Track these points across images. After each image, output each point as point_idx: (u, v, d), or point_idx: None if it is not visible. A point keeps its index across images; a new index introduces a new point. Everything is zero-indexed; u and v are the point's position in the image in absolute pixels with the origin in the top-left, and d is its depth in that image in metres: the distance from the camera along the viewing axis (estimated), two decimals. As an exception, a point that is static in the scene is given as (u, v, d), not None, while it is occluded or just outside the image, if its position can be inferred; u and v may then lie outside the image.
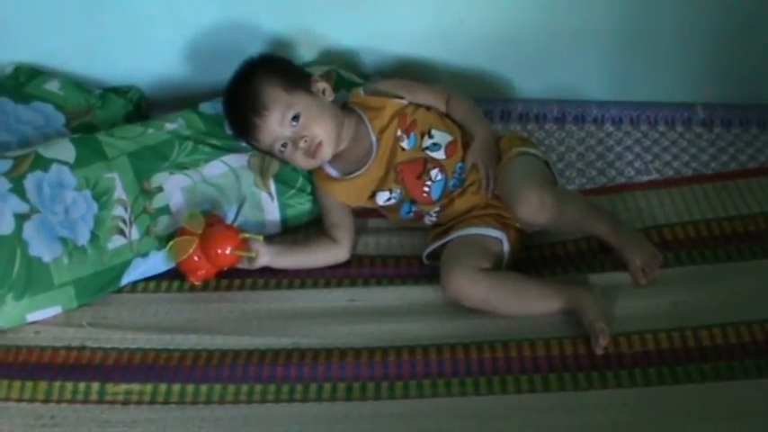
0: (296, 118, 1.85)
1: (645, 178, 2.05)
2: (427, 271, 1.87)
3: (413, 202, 1.91)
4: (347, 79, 2.11)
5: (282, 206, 1.97)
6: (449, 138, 1.91)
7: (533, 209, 1.70)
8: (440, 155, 1.90)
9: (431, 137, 1.91)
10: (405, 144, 1.90)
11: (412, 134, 1.91)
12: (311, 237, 1.96)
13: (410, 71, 2.18)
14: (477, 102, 2.00)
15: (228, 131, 1.97)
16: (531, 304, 1.74)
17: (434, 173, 1.88)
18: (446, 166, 1.89)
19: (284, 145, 1.87)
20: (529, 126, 2.18)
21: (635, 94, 2.22)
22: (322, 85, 1.93)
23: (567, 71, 2.22)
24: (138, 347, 1.73)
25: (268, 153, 1.93)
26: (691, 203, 1.97)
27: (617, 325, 1.67)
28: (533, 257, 1.88)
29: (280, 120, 1.84)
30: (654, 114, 2.18)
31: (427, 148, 1.90)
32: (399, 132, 1.91)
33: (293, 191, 1.98)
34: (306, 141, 1.85)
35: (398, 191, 1.91)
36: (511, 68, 2.22)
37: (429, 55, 2.19)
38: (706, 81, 2.22)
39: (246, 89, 1.87)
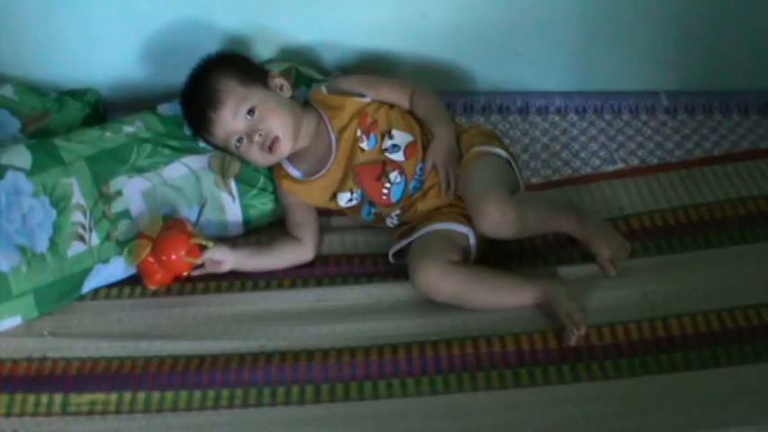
0: (251, 112, 1.83)
1: (610, 168, 2.05)
2: (393, 268, 1.85)
3: (372, 203, 1.89)
4: (307, 76, 2.09)
5: (244, 207, 1.95)
6: (409, 138, 1.89)
7: (496, 224, 1.70)
8: (399, 156, 1.88)
9: (391, 137, 1.89)
10: (364, 145, 1.89)
11: (372, 134, 1.89)
12: (275, 237, 1.93)
13: (371, 65, 2.17)
14: (439, 95, 1.99)
15: (187, 131, 1.95)
16: (503, 297, 1.73)
17: (393, 175, 1.87)
18: (405, 168, 1.87)
19: (240, 140, 1.85)
20: (492, 118, 2.18)
21: (598, 83, 2.22)
22: (280, 81, 1.91)
23: (529, 62, 2.20)
24: (101, 356, 1.71)
25: (225, 150, 1.90)
26: (657, 192, 1.97)
27: (587, 317, 1.67)
28: (500, 252, 1.87)
29: (234, 112, 1.82)
30: (618, 103, 2.18)
31: (386, 149, 1.88)
32: (359, 132, 1.89)
33: (255, 191, 1.96)
34: (261, 135, 1.83)
35: (358, 192, 1.89)
36: (473, 60, 2.20)
37: (390, 48, 2.18)
38: (669, 69, 2.22)
39: (202, 84, 1.85)
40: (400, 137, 1.89)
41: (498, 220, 1.69)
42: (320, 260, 1.90)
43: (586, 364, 1.61)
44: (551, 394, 1.57)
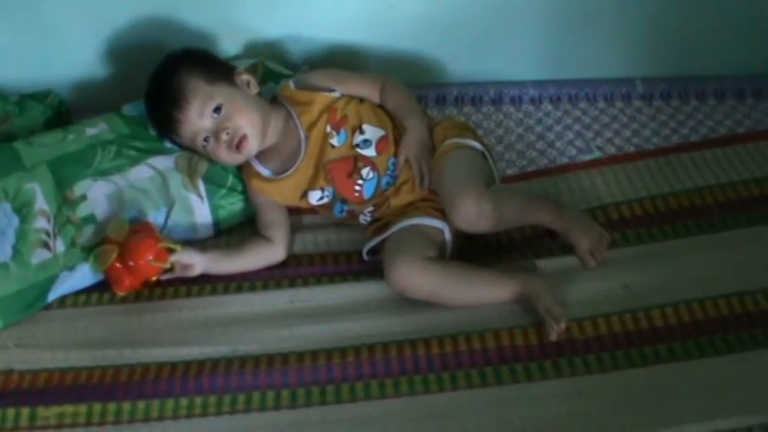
0: (217, 110, 1.80)
1: (587, 157, 2.03)
2: (368, 266, 1.82)
3: (345, 201, 1.87)
4: (275, 71, 2.06)
5: (214, 207, 1.92)
6: (380, 133, 1.87)
7: (472, 218, 1.68)
8: (370, 152, 1.85)
9: (362, 132, 1.86)
10: (334, 141, 1.85)
11: (342, 130, 1.86)
12: (246, 239, 1.90)
13: (340, 59, 2.14)
14: (410, 87, 1.96)
15: (152, 132, 1.91)
16: (481, 293, 1.70)
17: (365, 171, 1.84)
18: (377, 164, 1.85)
19: (206, 139, 1.82)
20: (465, 109, 2.16)
21: (572, 71, 2.21)
22: (246, 77, 1.88)
23: (501, 52, 2.19)
24: (69, 366, 1.67)
25: (192, 150, 1.87)
26: (635, 180, 1.95)
27: (568, 311, 1.64)
28: (477, 246, 1.84)
29: (200, 111, 1.79)
30: (592, 91, 2.17)
31: (357, 145, 1.85)
32: (329, 129, 1.86)
33: (224, 191, 1.92)
34: (228, 134, 1.80)
35: (330, 189, 1.86)
36: (444, 51, 2.18)
37: (358, 41, 2.16)
38: (643, 55, 2.21)
39: (166, 83, 1.82)
40: (371, 132, 1.86)
41: (474, 213, 1.67)
42: (293, 260, 1.87)
43: (569, 358, 1.59)
44: (534, 391, 1.55)
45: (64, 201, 1.81)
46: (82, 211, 1.83)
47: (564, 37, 2.17)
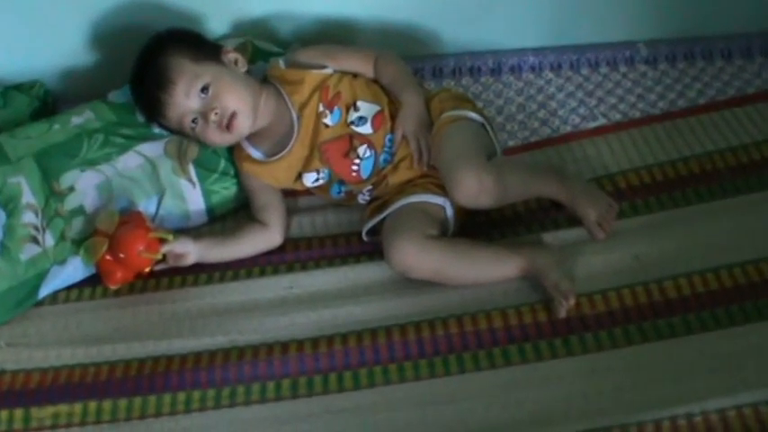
0: (205, 90, 1.76)
1: (591, 125, 1.99)
2: (368, 247, 1.78)
3: (342, 182, 1.82)
4: (264, 50, 2.01)
5: (206, 193, 1.88)
6: (375, 108, 1.82)
7: (473, 193, 1.64)
8: (366, 129, 1.80)
9: (356, 110, 1.81)
10: (328, 120, 1.81)
11: (335, 108, 1.81)
12: (241, 224, 1.86)
13: (331, 34, 2.09)
14: (406, 60, 1.92)
15: (140, 117, 1.88)
16: (486, 270, 1.67)
17: (362, 149, 1.79)
18: (374, 141, 1.80)
19: (195, 121, 1.78)
20: (463, 81, 2.12)
21: (573, 37, 2.16)
22: (234, 55, 1.84)
23: (498, 19, 2.13)
24: (63, 364, 1.64)
25: (180, 133, 1.84)
26: (642, 147, 1.91)
27: (577, 286, 1.61)
28: (480, 222, 1.80)
29: (186, 92, 1.75)
30: (594, 56, 2.13)
31: (352, 122, 1.81)
32: (321, 108, 1.81)
33: (216, 175, 1.88)
34: (217, 113, 1.76)
35: (326, 171, 1.82)
36: (439, 21, 2.13)
37: (349, 14, 2.10)
38: (646, 17, 2.15)
39: (151, 64, 1.79)
40: (366, 108, 1.82)
41: (476, 188, 1.62)
42: (290, 244, 1.83)
43: (579, 335, 1.55)
44: (545, 371, 1.51)
45: (51, 193, 1.78)
46: (70, 203, 1.80)
47: (563, 1, 2.12)
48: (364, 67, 1.87)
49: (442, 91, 1.89)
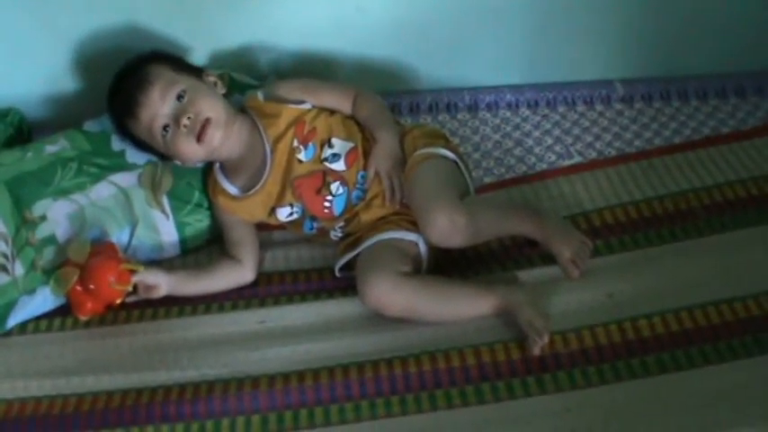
0: (181, 97, 1.76)
1: (567, 162, 2.00)
2: (342, 283, 1.77)
3: (314, 218, 1.81)
4: (241, 82, 2.00)
5: (179, 225, 1.86)
6: (349, 145, 1.82)
7: (446, 233, 1.63)
8: (339, 166, 1.80)
9: (330, 146, 1.81)
10: (302, 156, 1.80)
11: (310, 144, 1.81)
12: (214, 258, 1.85)
13: (309, 67, 2.10)
14: (383, 95, 1.92)
15: (115, 146, 1.86)
16: (459, 307, 1.66)
17: (335, 186, 1.79)
18: (347, 178, 1.80)
19: (166, 128, 1.76)
20: (440, 117, 2.12)
21: (550, 75, 2.18)
22: (214, 78, 1.85)
23: (476, 56, 2.14)
24: (30, 396, 1.62)
25: (146, 147, 1.81)
26: (617, 185, 1.91)
27: (551, 323, 1.60)
28: (454, 258, 1.79)
29: (162, 94, 1.75)
30: (571, 94, 2.14)
31: (326, 159, 1.80)
32: (296, 143, 1.80)
33: (190, 207, 1.87)
34: (190, 118, 1.74)
35: (299, 205, 1.81)
36: (417, 57, 2.14)
37: (327, 48, 2.11)
38: (622, 56, 2.17)
39: (133, 68, 1.80)
40: (340, 145, 1.81)
41: (447, 228, 1.62)
42: (263, 278, 1.82)
43: (553, 374, 1.54)
44: (518, 410, 1.50)
45: (23, 222, 1.76)
46: (42, 231, 1.78)
47: (540, 40, 2.13)
48: (343, 104, 1.87)
49: (415, 127, 1.88)
